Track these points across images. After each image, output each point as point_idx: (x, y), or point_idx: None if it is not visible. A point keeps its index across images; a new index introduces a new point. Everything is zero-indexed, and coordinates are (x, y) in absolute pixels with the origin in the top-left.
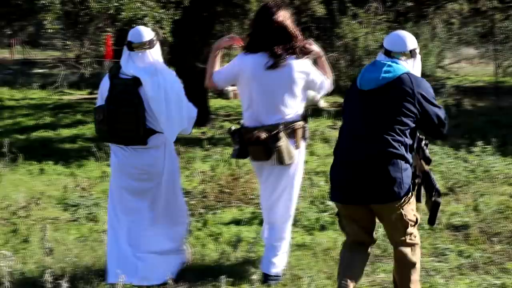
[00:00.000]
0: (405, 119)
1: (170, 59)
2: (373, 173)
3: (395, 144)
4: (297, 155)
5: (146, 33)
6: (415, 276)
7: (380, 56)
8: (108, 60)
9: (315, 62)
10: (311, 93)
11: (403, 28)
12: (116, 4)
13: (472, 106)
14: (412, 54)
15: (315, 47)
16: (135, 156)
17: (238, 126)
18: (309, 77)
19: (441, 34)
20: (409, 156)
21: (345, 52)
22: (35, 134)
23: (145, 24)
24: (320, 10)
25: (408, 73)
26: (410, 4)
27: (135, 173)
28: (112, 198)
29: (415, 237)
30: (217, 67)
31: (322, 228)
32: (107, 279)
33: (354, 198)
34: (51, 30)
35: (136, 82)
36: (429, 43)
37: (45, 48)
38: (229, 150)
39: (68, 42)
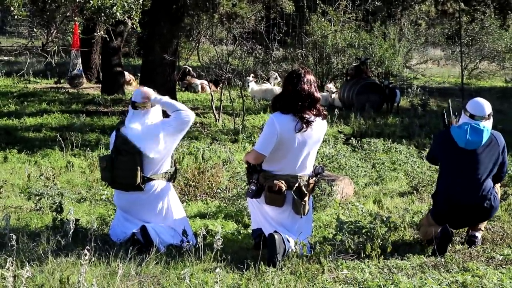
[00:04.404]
0: (496, 166)
1: (138, 51)
2: (483, 209)
3: (492, 184)
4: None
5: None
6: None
7: (464, 118)
8: (75, 49)
9: None
10: None
11: (371, 28)
12: None
13: (437, 107)
14: (489, 116)
15: None
16: (133, 200)
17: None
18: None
19: (408, 35)
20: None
21: (313, 49)
22: None
23: (114, 14)
24: (289, 7)
25: (494, 134)
26: (378, 3)
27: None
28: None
29: None
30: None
31: None
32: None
33: (468, 224)
34: (18, 17)
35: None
36: (397, 43)
37: (11, 35)
38: (196, 144)
39: (35, 30)
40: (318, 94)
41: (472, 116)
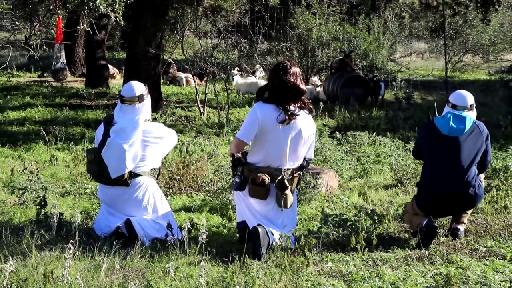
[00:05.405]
0: (479, 154)
1: (122, 44)
2: (468, 196)
3: (476, 172)
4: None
5: (137, 88)
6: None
7: (447, 108)
8: (58, 43)
9: None
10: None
11: (356, 21)
12: None
13: (422, 100)
14: (471, 107)
15: None
16: (118, 195)
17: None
18: (312, 135)
19: (392, 28)
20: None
21: (298, 42)
22: None
23: (97, 7)
24: (273, 0)
25: (476, 123)
26: None
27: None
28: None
29: None
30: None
31: None
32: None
33: (453, 212)
34: (0, 10)
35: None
36: (381, 36)
37: None
38: (181, 137)
39: (17, 23)
40: (303, 87)
41: (454, 106)
